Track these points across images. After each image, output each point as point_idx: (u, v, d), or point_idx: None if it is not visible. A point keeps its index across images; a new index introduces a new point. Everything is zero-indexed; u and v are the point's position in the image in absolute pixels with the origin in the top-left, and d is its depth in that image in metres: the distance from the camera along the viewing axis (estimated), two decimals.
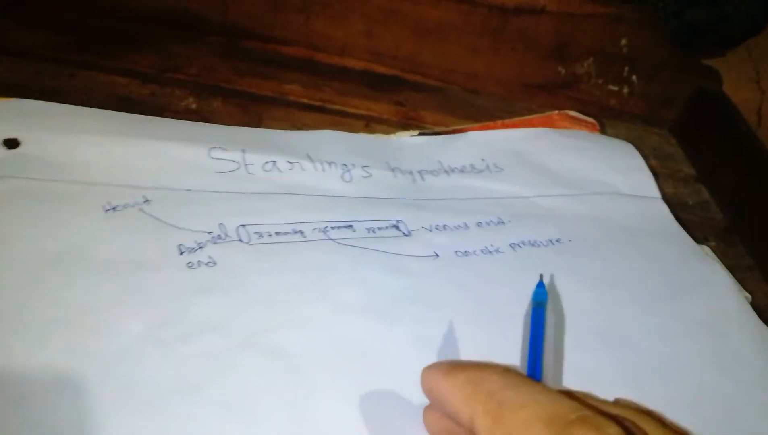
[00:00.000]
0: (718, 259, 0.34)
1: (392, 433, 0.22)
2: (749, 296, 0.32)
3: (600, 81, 0.45)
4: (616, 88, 0.45)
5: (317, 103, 0.40)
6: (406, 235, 0.30)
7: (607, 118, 0.41)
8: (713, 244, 0.37)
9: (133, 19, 0.43)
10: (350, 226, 0.30)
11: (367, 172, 0.33)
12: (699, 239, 0.35)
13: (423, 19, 0.43)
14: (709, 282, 0.31)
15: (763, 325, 0.29)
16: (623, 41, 0.44)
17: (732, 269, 0.34)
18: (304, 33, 0.44)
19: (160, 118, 0.34)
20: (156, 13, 0.43)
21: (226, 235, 0.28)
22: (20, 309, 0.23)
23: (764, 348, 0.28)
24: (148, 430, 0.21)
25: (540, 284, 0.25)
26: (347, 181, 0.33)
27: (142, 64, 0.40)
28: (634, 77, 0.45)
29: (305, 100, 0.41)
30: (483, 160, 0.36)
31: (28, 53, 0.38)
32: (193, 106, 0.38)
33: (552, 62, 0.44)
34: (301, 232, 0.29)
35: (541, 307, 0.24)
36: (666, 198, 0.37)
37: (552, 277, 0.29)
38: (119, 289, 0.24)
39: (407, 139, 0.37)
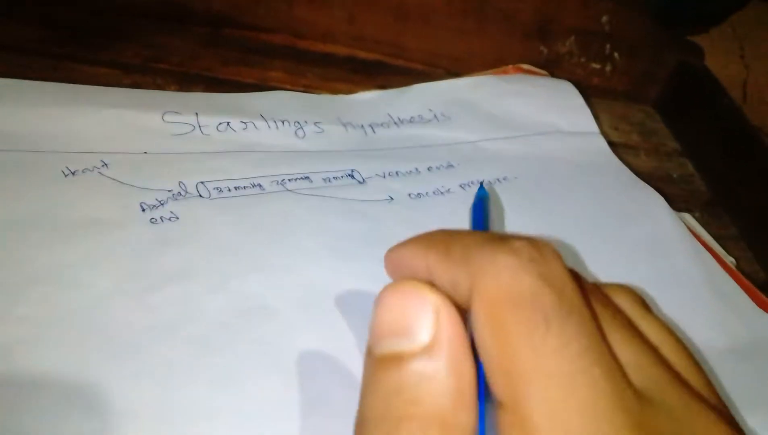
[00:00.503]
0: (701, 228, 0.34)
1: (356, 359, 0.23)
2: (733, 260, 0.32)
3: (582, 59, 0.45)
4: (598, 66, 0.45)
5: (301, 90, 0.41)
6: (361, 183, 0.31)
7: (590, 96, 0.41)
8: (697, 215, 0.37)
9: (116, 10, 0.43)
10: (307, 177, 0.31)
11: (320, 128, 0.34)
12: (683, 210, 0.35)
13: (404, 4, 0.43)
14: (649, 209, 0.33)
15: (699, 245, 0.31)
16: (604, 19, 0.44)
17: (717, 238, 0.34)
18: (286, 20, 0.44)
19: (113, 87, 0.35)
20: (139, 4, 0.43)
21: (186, 192, 0.28)
22: None
23: (703, 266, 0.30)
24: (128, 371, 0.21)
25: (481, 187, 0.26)
26: (301, 138, 0.33)
27: (125, 54, 0.40)
28: (616, 54, 0.45)
29: (289, 87, 0.41)
30: (430, 110, 0.38)
31: (12, 47, 0.38)
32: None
33: (534, 42, 0.45)
34: (259, 185, 0.30)
35: (481, 200, 0.25)
36: (651, 172, 0.37)
37: (502, 210, 0.31)
38: (87, 247, 0.25)
39: (357, 96, 0.38)
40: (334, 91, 0.41)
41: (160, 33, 0.42)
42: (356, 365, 0.23)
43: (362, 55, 0.45)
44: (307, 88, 0.41)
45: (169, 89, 0.38)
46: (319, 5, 0.43)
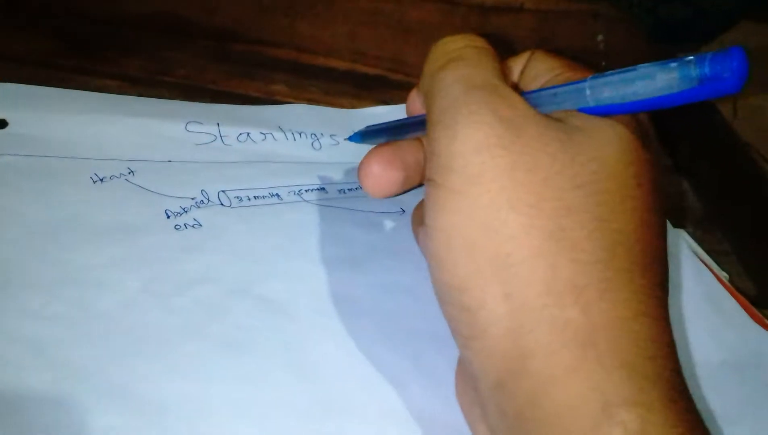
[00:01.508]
0: (695, 242, 0.35)
1: (376, 363, 0.24)
2: (726, 275, 0.33)
3: None
4: None
5: (303, 103, 0.41)
6: None
7: None
8: (691, 231, 0.38)
9: (122, 24, 0.44)
10: (323, 188, 0.32)
11: (335, 140, 0.35)
12: (677, 227, 0.36)
13: (405, 20, 0.44)
14: None
15: (698, 260, 0.32)
16: (600, 37, 0.45)
17: (710, 254, 0.35)
18: (289, 35, 0.45)
19: (138, 97, 0.36)
20: (145, 18, 0.44)
21: (209, 200, 0.30)
22: (28, 272, 0.25)
23: (699, 277, 0.31)
24: (158, 370, 0.23)
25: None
26: (317, 150, 0.35)
27: (132, 67, 0.41)
28: None
29: (292, 100, 0.41)
30: None
31: (20, 59, 0.39)
32: None
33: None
34: (277, 195, 0.31)
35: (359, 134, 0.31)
36: None
37: None
38: (115, 251, 0.26)
39: (370, 109, 0.39)
40: (336, 105, 0.42)
41: (165, 46, 0.43)
42: (371, 369, 0.24)
43: (363, 69, 0.45)
44: (310, 102, 0.42)
45: None
46: (322, 21, 0.44)
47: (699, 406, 0.24)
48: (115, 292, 0.25)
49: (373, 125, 0.30)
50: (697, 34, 0.51)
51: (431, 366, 0.25)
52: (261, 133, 0.34)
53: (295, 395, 0.23)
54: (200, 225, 0.28)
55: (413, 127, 0.26)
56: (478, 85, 0.20)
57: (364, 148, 0.36)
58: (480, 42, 0.23)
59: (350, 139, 0.31)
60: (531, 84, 0.24)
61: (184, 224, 0.28)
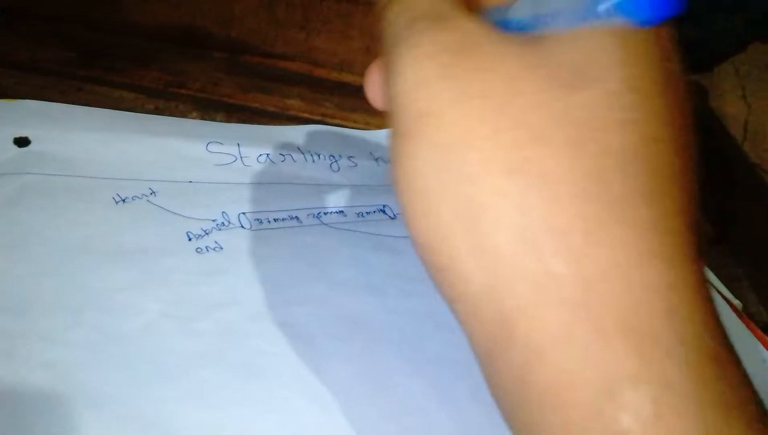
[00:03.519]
0: (707, 269, 0.35)
1: (395, 390, 0.24)
2: (740, 303, 0.33)
3: None
4: None
5: (318, 118, 0.41)
6: (392, 218, 0.33)
7: None
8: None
9: (139, 35, 0.44)
10: (341, 211, 0.32)
11: (353, 162, 0.36)
12: None
13: None
14: None
15: (714, 291, 0.31)
16: None
17: (721, 279, 0.35)
18: (304, 49, 0.45)
19: (159, 116, 0.36)
20: (161, 29, 0.44)
21: (229, 223, 0.30)
22: (51, 294, 0.25)
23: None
24: (177, 396, 0.23)
25: None
26: (335, 171, 0.35)
27: (147, 79, 0.41)
28: None
29: (306, 115, 0.42)
30: None
31: (36, 67, 0.39)
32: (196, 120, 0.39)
33: None
34: (297, 217, 0.31)
35: None
36: None
37: None
38: (137, 274, 0.27)
39: (387, 131, 0.39)
40: (350, 120, 0.42)
41: (180, 58, 0.43)
42: (390, 396, 0.24)
43: None
44: (324, 117, 0.42)
45: (191, 115, 0.39)
46: (337, 36, 0.44)
47: None
48: (136, 316, 0.25)
49: None
50: (707, 56, 0.51)
51: (451, 393, 0.25)
52: (280, 154, 0.34)
53: (313, 423, 0.23)
54: (221, 248, 0.29)
55: None
56: (420, 15, 0.17)
57: (381, 171, 0.36)
58: None
59: None
60: None
61: (206, 247, 0.28)
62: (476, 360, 0.16)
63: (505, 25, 0.17)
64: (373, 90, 0.20)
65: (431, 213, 0.16)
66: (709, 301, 0.15)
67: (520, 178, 0.14)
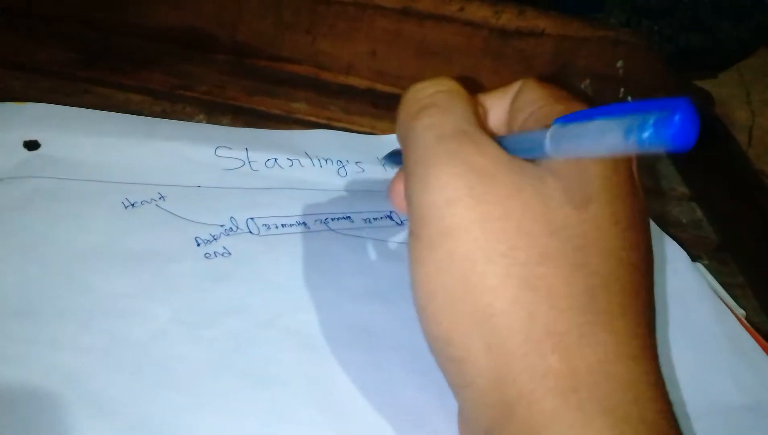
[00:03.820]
0: (710, 275, 0.35)
1: (402, 398, 0.25)
2: (743, 312, 0.33)
3: (596, 102, 0.46)
4: None
5: (323, 121, 0.42)
6: (399, 225, 0.33)
7: None
8: (706, 262, 0.38)
9: (144, 37, 0.44)
10: (348, 217, 0.32)
11: (360, 167, 0.36)
12: (693, 257, 0.36)
13: (426, 41, 0.44)
14: (670, 260, 0.34)
15: (717, 298, 0.32)
16: (619, 63, 0.45)
17: (725, 287, 0.35)
18: (310, 53, 0.45)
19: (168, 120, 0.36)
20: (167, 32, 0.44)
21: (237, 228, 0.30)
22: (60, 299, 0.25)
23: (720, 317, 0.31)
24: (186, 403, 0.23)
25: None
26: (343, 177, 0.35)
27: (154, 81, 0.41)
28: (629, 98, 0.46)
29: (312, 118, 0.42)
30: None
31: (43, 69, 0.39)
32: (204, 123, 0.39)
33: (550, 83, 0.46)
34: (304, 223, 0.31)
35: None
36: (661, 216, 0.38)
37: None
38: (146, 279, 0.27)
39: (394, 136, 0.39)
40: (356, 124, 0.42)
41: (187, 61, 0.43)
42: (397, 404, 0.24)
43: (383, 88, 0.46)
44: (330, 120, 0.42)
45: (197, 118, 0.39)
46: (343, 39, 0.44)
47: None
48: (145, 322, 0.25)
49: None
50: (715, 61, 0.51)
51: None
52: (288, 159, 0.34)
53: (321, 430, 0.23)
54: (229, 253, 0.29)
55: None
56: (449, 133, 0.20)
57: (390, 176, 0.36)
58: (451, 85, 0.22)
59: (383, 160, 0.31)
60: (517, 116, 0.23)
61: (214, 252, 0.28)
62: (474, 432, 0.20)
63: (521, 153, 0.20)
64: (398, 199, 0.23)
65: (451, 314, 0.19)
66: (664, 391, 0.19)
67: (531, 292, 0.18)
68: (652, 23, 0.47)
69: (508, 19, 0.44)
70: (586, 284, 0.18)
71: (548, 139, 0.19)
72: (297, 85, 0.44)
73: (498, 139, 0.21)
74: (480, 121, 0.22)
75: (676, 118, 0.15)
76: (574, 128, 0.19)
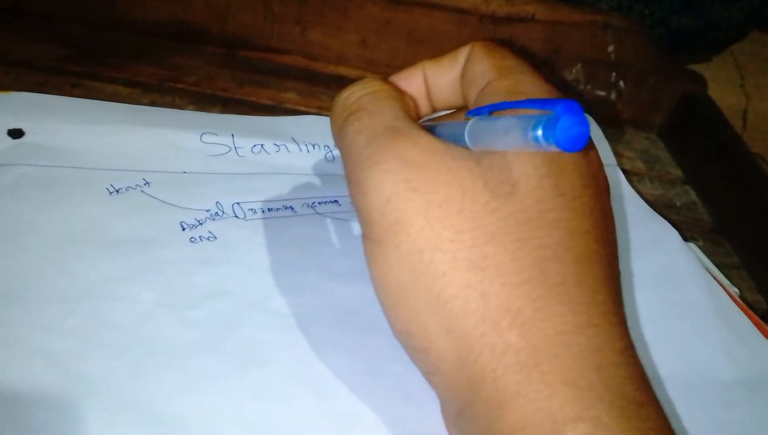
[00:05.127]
0: (703, 255, 0.35)
1: (390, 379, 0.24)
2: (737, 291, 0.33)
3: (588, 87, 0.46)
4: (604, 94, 0.46)
5: (314, 111, 0.41)
6: None
7: (596, 123, 0.42)
8: (701, 243, 0.38)
9: (133, 30, 0.44)
10: (336, 201, 0.32)
11: None
12: (687, 239, 0.36)
13: (417, 29, 0.44)
14: (661, 240, 0.34)
15: (711, 278, 0.32)
16: (610, 48, 0.45)
17: (719, 267, 0.35)
18: (300, 43, 0.45)
19: (153, 107, 0.36)
20: (156, 25, 0.44)
21: (223, 212, 0.30)
22: (45, 283, 0.25)
23: (712, 294, 0.31)
24: (172, 384, 0.23)
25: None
26: (330, 161, 0.35)
27: (144, 74, 0.41)
28: (621, 83, 0.46)
29: (302, 108, 0.42)
30: None
31: (32, 64, 0.39)
32: None
33: (542, 69, 0.45)
34: (291, 207, 0.31)
35: None
36: (655, 199, 0.38)
37: None
38: (131, 263, 0.26)
39: None
40: None
41: (175, 53, 0.43)
42: (385, 385, 0.24)
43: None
44: (320, 110, 0.42)
45: (187, 109, 0.39)
46: (333, 29, 0.44)
47: (712, 425, 0.25)
48: (131, 305, 0.25)
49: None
50: (707, 44, 0.51)
51: None
52: (275, 144, 0.34)
53: (308, 411, 0.23)
54: (215, 237, 0.29)
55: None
56: (379, 132, 0.20)
57: None
58: (376, 86, 0.23)
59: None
60: (470, 90, 0.23)
61: (200, 237, 0.28)
62: (448, 415, 0.20)
63: (453, 140, 0.20)
64: None
65: (408, 306, 0.19)
66: (632, 355, 0.19)
67: (481, 272, 0.18)
68: (643, 6, 0.47)
69: (497, 5, 0.44)
70: (534, 257, 0.18)
71: (467, 134, 0.20)
72: (287, 76, 0.44)
73: (431, 129, 0.22)
74: (410, 114, 0.22)
75: (561, 120, 0.16)
76: (486, 125, 0.19)
